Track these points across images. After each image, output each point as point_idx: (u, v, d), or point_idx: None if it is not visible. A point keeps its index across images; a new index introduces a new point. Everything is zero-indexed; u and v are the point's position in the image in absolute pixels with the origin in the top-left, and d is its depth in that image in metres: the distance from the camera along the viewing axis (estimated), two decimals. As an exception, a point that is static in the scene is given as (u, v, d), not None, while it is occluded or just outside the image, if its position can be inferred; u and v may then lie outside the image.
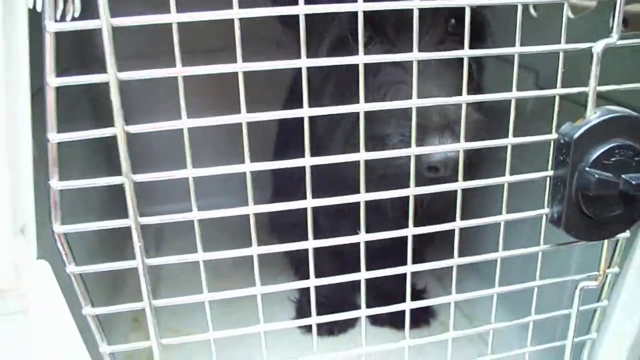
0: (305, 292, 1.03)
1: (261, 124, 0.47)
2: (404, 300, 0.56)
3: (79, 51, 1.18)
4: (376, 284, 0.62)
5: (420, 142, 0.55)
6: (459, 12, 0.46)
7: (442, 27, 0.68)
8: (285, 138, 0.99)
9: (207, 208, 0.48)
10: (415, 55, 0.47)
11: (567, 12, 0.51)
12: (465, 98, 0.50)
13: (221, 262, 0.50)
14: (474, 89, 0.71)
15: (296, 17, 0.44)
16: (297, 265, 1.09)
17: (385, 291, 0.86)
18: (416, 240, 0.53)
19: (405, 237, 0.53)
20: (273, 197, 1.05)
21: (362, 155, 0.48)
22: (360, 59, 0.46)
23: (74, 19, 0.43)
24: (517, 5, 0.50)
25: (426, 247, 0.93)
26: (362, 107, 0.47)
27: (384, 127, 0.63)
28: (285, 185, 0.95)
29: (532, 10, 0.54)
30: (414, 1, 0.46)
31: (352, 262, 0.53)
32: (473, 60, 0.72)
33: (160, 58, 0.47)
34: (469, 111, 0.53)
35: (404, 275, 0.55)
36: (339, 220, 0.79)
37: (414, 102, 0.48)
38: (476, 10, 0.69)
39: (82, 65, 1.16)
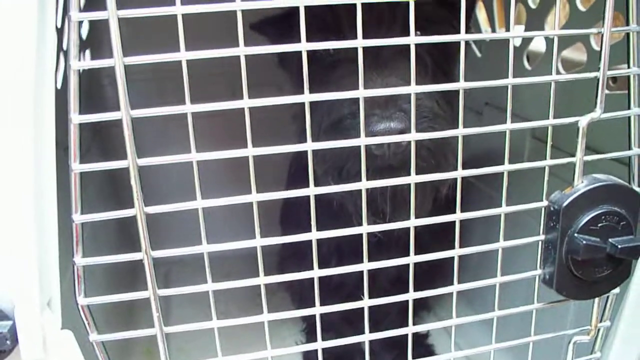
0: (311, 338, 1.06)
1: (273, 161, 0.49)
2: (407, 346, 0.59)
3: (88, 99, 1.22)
4: (380, 329, 0.65)
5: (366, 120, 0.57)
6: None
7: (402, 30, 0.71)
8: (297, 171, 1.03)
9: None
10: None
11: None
12: (414, 88, 0.50)
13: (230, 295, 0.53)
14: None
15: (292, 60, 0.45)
16: (300, 301, 1.12)
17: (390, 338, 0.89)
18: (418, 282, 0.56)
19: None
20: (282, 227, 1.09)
21: (310, 145, 0.50)
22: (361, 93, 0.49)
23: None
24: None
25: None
26: (307, 97, 0.49)
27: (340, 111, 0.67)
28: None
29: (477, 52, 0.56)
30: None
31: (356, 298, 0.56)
32: (434, 52, 0.76)
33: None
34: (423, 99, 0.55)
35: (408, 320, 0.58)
36: (341, 248, 0.82)
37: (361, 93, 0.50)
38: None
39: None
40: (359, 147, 0.50)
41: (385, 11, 0.70)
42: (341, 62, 0.74)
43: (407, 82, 0.50)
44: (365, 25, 0.47)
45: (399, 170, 0.62)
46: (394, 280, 0.89)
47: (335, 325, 0.97)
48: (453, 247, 0.56)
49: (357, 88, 0.49)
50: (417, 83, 0.49)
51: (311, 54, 0.72)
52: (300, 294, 1.07)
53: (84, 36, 1.07)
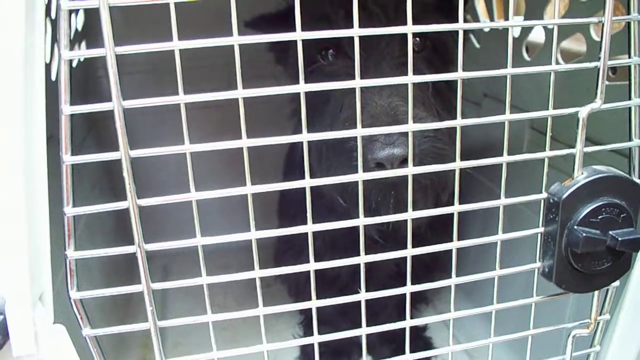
0: (308, 331, 1.06)
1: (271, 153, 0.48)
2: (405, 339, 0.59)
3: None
4: (378, 322, 0.64)
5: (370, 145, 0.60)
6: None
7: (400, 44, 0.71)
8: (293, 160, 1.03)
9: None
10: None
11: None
12: (411, 78, 0.49)
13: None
14: (438, 105, 0.74)
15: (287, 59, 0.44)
16: (296, 294, 1.12)
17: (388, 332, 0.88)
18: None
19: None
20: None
21: (305, 136, 0.49)
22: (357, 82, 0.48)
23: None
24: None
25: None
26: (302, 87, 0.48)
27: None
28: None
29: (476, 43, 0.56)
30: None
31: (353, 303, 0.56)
32: (435, 65, 0.76)
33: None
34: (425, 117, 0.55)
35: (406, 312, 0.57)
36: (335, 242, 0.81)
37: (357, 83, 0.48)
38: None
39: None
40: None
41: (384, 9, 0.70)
42: (340, 72, 0.74)
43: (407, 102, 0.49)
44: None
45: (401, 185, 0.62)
46: (394, 275, 0.89)
47: (332, 318, 0.96)
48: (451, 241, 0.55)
49: (354, 97, 0.48)
50: (419, 99, 0.49)
51: (310, 62, 0.72)
52: (296, 287, 1.07)
53: (79, 27, 1.06)
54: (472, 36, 1.08)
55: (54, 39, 0.67)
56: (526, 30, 0.93)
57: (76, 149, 0.46)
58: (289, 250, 0.94)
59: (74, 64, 0.64)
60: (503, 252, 0.57)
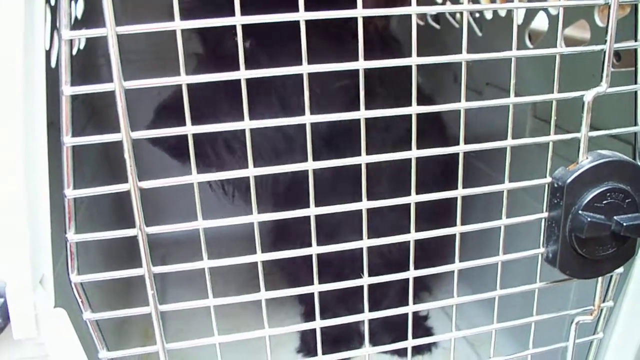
0: (309, 318, 1.05)
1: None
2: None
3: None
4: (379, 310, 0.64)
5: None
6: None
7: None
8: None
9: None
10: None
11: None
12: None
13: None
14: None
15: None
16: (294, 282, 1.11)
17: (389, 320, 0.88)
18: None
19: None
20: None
21: (308, 118, 0.48)
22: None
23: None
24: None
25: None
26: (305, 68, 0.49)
27: None
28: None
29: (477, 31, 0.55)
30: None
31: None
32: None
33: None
34: None
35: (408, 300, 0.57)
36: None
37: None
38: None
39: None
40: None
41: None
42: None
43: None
44: None
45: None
46: (385, 263, 0.88)
47: (332, 306, 0.96)
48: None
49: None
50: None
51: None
52: (294, 275, 1.06)
53: (79, 16, 1.05)
54: (473, 23, 1.07)
55: (53, 26, 0.67)
56: (529, 18, 0.92)
57: (77, 136, 0.46)
58: (284, 236, 0.93)
59: (74, 52, 0.63)
60: (503, 239, 0.57)
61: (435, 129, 0.92)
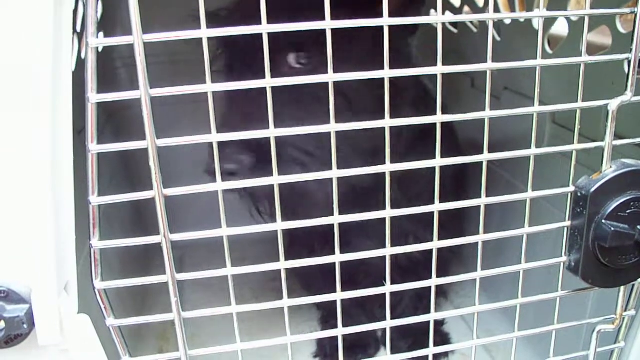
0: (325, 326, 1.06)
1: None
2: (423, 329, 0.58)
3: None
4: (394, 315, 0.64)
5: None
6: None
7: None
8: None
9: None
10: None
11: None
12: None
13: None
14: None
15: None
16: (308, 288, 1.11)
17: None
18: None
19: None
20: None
21: (333, 127, 0.48)
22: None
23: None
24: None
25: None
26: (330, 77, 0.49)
27: None
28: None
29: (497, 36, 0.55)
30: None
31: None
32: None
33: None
34: None
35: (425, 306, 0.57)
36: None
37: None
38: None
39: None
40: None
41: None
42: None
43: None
44: None
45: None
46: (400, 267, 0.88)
47: (348, 310, 0.96)
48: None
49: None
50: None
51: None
52: (308, 279, 1.06)
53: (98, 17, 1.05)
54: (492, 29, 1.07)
55: (73, 30, 0.67)
56: (548, 24, 0.92)
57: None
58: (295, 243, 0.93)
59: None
60: (520, 248, 0.57)
61: (444, 132, 0.91)
